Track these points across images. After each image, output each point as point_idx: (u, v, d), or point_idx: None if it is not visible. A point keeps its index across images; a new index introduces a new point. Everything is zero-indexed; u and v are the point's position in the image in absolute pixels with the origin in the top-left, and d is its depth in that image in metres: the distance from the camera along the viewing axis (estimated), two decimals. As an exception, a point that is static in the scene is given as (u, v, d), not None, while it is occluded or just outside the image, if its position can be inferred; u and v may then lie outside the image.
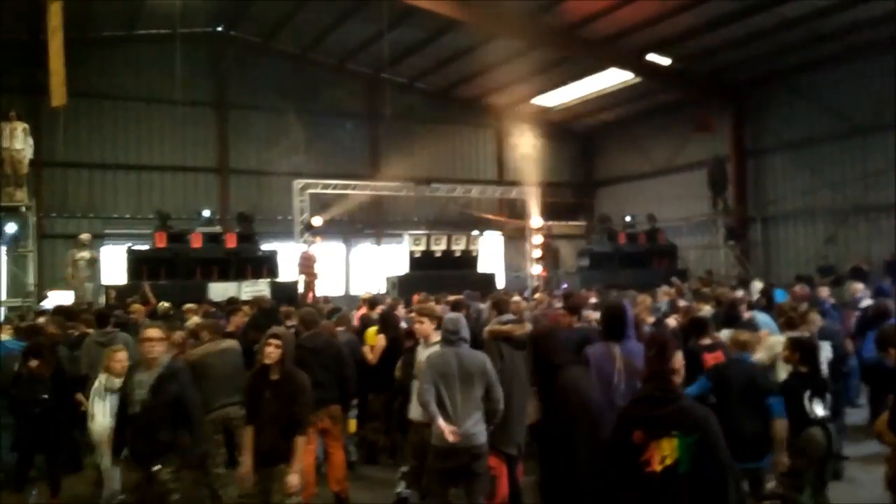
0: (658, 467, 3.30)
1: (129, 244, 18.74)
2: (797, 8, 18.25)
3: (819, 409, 5.72)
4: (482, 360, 5.70)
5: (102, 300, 16.19)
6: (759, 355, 6.80)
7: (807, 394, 5.70)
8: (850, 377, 9.05)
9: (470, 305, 10.53)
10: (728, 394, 5.46)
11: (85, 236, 17.48)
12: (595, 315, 8.63)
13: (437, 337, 6.23)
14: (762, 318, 8.22)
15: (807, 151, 22.21)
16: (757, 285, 13.98)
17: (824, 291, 11.36)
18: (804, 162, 22.28)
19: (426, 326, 6.35)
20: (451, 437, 5.32)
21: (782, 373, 6.43)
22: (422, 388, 5.57)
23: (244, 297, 15.24)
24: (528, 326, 7.10)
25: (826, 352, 6.93)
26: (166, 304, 12.17)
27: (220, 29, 25.43)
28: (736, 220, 23.48)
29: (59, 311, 11.08)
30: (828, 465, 5.99)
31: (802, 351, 5.90)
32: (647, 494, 3.31)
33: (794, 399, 5.73)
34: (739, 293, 12.76)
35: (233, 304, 10.78)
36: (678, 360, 3.61)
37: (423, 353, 6.26)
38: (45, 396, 7.04)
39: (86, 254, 16.90)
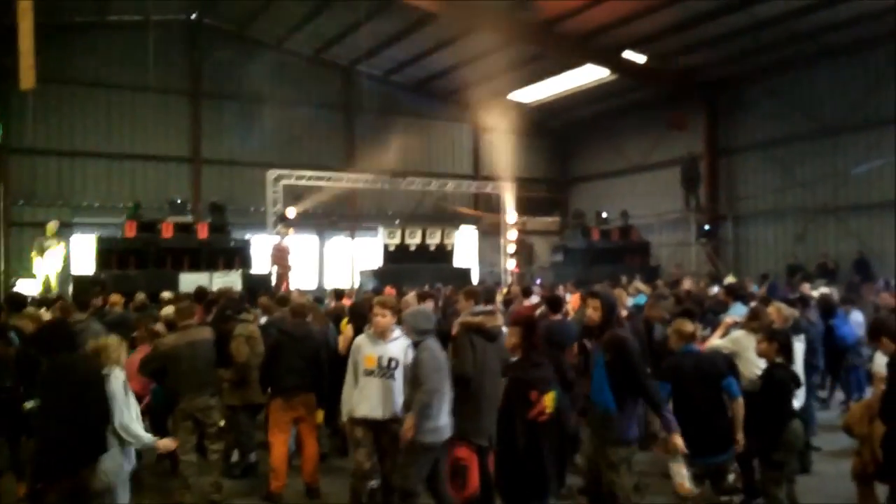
0: (545, 417, 4.49)
1: (99, 233, 18.46)
2: (771, 8, 18.44)
3: (794, 402, 5.77)
4: (445, 353, 5.80)
5: (70, 289, 15.94)
6: (722, 342, 6.85)
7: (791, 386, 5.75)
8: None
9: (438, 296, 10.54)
10: (684, 388, 5.42)
11: (52, 224, 17.19)
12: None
13: (396, 332, 6.18)
14: (740, 309, 8.27)
15: (779, 151, 22.48)
16: (729, 282, 14.18)
17: (805, 288, 11.58)
18: (776, 161, 22.55)
19: (388, 320, 6.15)
20: (409, 434, 5.50)
21: (750, 367, 6.47)
22: (435, 387, 5.55)
23: (215, 287, 15.06)
24: (500, 318, 7.12)
25: (800, 345, 6.99)
26: (142, 296, 12.01)
27: (193, 17, 25.10)
28: (708, 218, 23.72)
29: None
30: (802, 456, 6.06)
31: (780, 342, 5.93)
32: (542, 434, 4.47)
33: (783, 391, 5.74)
34: (714, 289, 13.03)
35: (202, 295, 10.46)
36: (540, 336, 4.94)
37: (368, 347, 6.15)
38: (9, 385, 6.83)
39: (53, 242, 16.61)
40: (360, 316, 8.22)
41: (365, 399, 6.07)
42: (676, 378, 5.45)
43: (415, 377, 5.65)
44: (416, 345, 5.84)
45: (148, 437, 5.55)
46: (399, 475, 5.78)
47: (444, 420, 5.69)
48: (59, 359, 5.19)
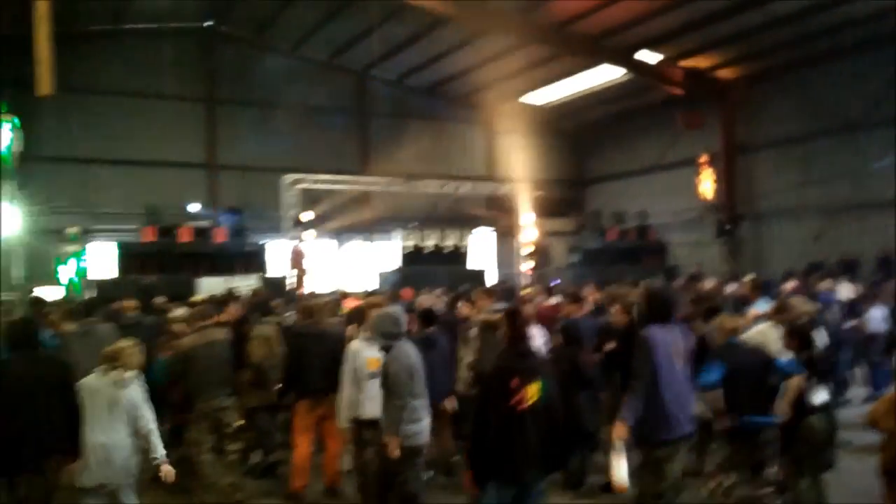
0: (527, 405, 4.47)
1: (118, 239, 18.61)
2: (787, 6, 18.31)
3: (822, 395, 5.70)
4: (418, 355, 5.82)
5: (90, 294, 16.07)
6: (748, 334, 6.79)
7: (809, 381, 5.67)
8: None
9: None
10: (735, 375, 5.49)
11: (72, 230, 17.31)
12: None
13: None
14: (765, 304, 8.20)
15: (797, 148, 22.31)
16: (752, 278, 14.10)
17: (824, 285, 11.52)
18: (794, 159, 22.38)
19: None
20: (396, 452, 5.47)
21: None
22: (407, 399, 5.52)
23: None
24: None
25: (822, 338, 6.92)
26: (160, 299, 12.05)
27: (209, 24, 25.28)
28: (726, 217, 23.55)
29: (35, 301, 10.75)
30: (827, 452, 5.97)
31: (801, 337, 5.87)
32: (521, 425, 4.47)
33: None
34: (730, 287, 12.98)
35: (229, 296, 10.63)
36: (526, 328, 5.06)
37: (367, 350, 6.15)
38: None
39: (73, 248, 16.73)
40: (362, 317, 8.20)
41: (371, 400, 6.06)
42: (730, 363, 5.53)
43: (386, 387, 5.57)
44: (385, 350, 5.71)
45: (162, 451, 5.51)
46: (399, 482, 5.76)
47: (427, 420, 5.72)
48: (14, 355, 5.23)
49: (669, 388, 4.94)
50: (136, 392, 5.37)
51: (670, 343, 4.97)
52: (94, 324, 8.10)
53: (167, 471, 5.48)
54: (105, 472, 5.24)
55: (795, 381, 5.55)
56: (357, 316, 7.97)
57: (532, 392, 4.47)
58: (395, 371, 5.49)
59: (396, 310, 6.03)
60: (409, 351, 5.67)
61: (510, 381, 4.48)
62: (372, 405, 6.05)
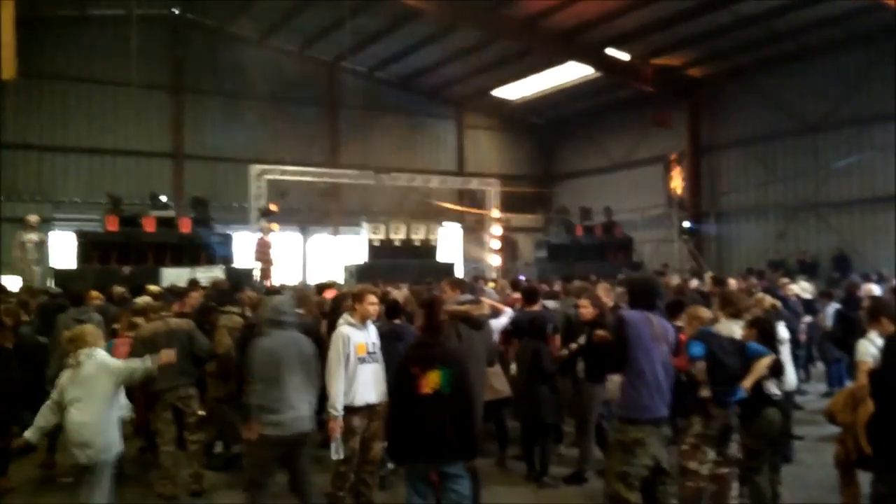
0: (428, 391, 4.66)
1: (79, 228, 18.27)
2: (753, 6, 18.58)
3: (774, 389, 5.80)
4: (312, 344, 5.91)
5: (51, 284, 15.78)
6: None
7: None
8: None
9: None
10: (714, 354, 5.52)
11: (32, 218, 16.95)
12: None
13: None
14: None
15: (760, 148, 22.68)
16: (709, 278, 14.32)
17: (783, 282, 11.75)
18: (758, 158, 22.74)
19: (378, 307, 6.25)
20: (252, 435, 5.51)
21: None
22: (262, 386, 5.50)
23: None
24: (486, 308, 7.12)
25: (782, 333, 7.05)
26: (120, 289, 11.87)
27: (177, 11, 24.94)
28: (690, 215, 23.86)
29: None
30: (782, 445, 6.07)
31: (760, 329, 5.96)
32: (421, 410, 4.67)
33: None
34: (693, 283, 13.19)
35: (190, 287, 10.55)
36: (441, 318, 5.22)
37: (356, 335, 6.09)
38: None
39: (33, 236, 16.40)
40: (334, 310, 8.12)
41: (361, 385, 6.02)
42: (708, 346, 5.54)
43: (248, 373, 5.61)
44: (259, 335, 5.73)
45: (138, 362, 5.71)
46: (245, 463, 5.93)
47: (291, 413, 5.57)
48: None
49: (644, 370, 4.98)
50: (100, 358, 5.49)
51: (648, 327, 5.01)
52: (89, 311, 8.14)
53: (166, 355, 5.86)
54: (85, 450, 5.34)
55: (765, 361, 5.60)
56: (337, 306, 7.90)
57: (432, 379, 4.67)
58: (252, 354, 5.57)
59: (283, 299, 6.12)
60: (282, 339, 5.66)
61: (411, 369, 4.75)
62: (362, 391, 6.00)
